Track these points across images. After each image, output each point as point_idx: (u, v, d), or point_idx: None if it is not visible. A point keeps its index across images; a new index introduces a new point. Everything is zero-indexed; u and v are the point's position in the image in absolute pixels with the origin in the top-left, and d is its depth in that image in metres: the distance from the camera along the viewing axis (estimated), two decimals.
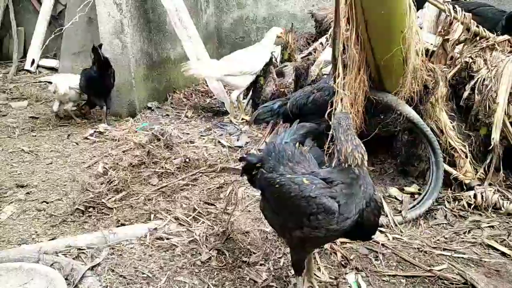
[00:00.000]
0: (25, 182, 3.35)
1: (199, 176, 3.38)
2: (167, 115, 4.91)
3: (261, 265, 2.45)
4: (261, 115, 3.35)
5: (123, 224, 2.86)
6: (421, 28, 4.47)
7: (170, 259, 2.56)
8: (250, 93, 4.77)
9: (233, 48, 6.65)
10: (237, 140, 4.16)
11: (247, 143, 4.05)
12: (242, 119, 4.57)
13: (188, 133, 4.30)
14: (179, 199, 3.12)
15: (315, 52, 4.80)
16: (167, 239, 2.73)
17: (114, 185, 3.15)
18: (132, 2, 4.68)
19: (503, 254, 2.55)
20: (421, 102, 3.34)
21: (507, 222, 2.87)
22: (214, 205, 3.03)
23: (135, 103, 4.88)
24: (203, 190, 3.21)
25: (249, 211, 2.99)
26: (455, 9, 3.59)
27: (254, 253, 2.54)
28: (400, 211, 2.98)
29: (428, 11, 4.47)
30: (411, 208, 3.03)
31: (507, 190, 3.18)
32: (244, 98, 5.02)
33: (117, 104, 4.84)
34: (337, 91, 2.72)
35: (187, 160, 3.51)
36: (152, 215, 2.97)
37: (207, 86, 5.42)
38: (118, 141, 4.01)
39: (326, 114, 2.92)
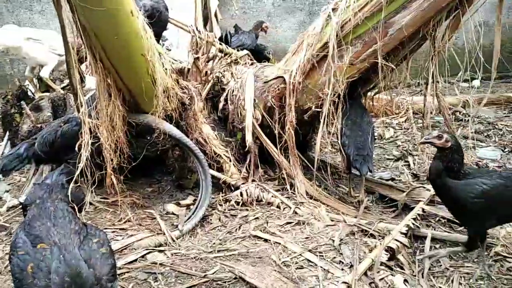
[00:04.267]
0: None
1: None
2: None
3: None
4: (9, 165, 2.99)
5: None
6: (176, 47, 4.74)
7: None
8: (7, 134, 4.22)
9: None
10: None
11: (7, 191, 3.57)
12: None
13: None
14: None
15: None
16: None
17: None
18: None
19: (266, 240, 2.89)
20: (182, 118, 3.55)
21: (268, 211, 3.27)
22: None
23: None
24: None
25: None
26: (198, 29, 3.95)
27: None
28: (177, 226, 3.08)
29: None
30: (187, 219, 3.15)
31: (266, 183, 3.64)
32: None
33: None
34: (83, 120, 2.63)
35: None
36: None
37: None
38: None
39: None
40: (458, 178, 2.37)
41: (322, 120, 3.28)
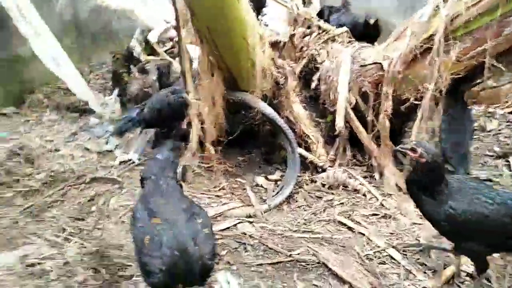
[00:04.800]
0: None
1: (68, 189, 3.28)
2: (27, 120, 4.57)
3: (137, 276, 2.53)
4: (123, 127, 3.36)
5: None
6: (266, 25, 4.75)
7: (46, 285, 2.49)
8: (115, 91, 4.66)
9: (95, 39, 6.34)
10: (106, 143, 4.07)
11: (117, 145, 3.99)
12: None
13: (51, 140, 4.08)
14: (48, 218, 3.01)
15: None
16: (39, 264, 2.64)
17: None
18: None
19: (350, 228, 3.00)
20: (275, 96, 3.67)
21: (354, 198, 3.36)
22: (85, 220, 3.00)
23: None
24: (73, 204, 3.14)
25: (123, 222, 3.02)
26: (297, 5, 3.94)
27: (130, 266, 2.62)
28: (265, 200, 3.29)
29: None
30: (274, 195, 3.35)
31: (353, 168, 3.69)
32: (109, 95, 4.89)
33: None
34: (189, 103, 2.88)
35: (52, 174, 3.37)
36: (21, 240, 2.83)
37: None
38: None
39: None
40: (432, 196, 2.18)
41: (420, 114, 3.21)
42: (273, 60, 3.52)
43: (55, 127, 4.42)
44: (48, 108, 4.83)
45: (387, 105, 3.40)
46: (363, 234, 2.89)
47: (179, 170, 2.59)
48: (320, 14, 5.34)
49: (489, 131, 4.46)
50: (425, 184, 2.18)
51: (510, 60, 2.94)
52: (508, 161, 3.87)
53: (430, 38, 3.09)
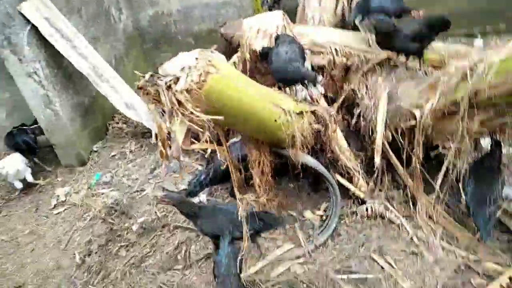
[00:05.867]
0: (20, 281, 4.08)
1: (157, 238, 4.20)
2: (113, 155, 5.46)
3: None
4: (194, 190, 4.09)
5: None
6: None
7: None
8: None
9: (157, 43, 6.92)
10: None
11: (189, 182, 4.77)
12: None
13: (136, 178, 4.97)
14: (146, 269, 3.93)
15: None
16: None
17: (93, 269, 3.96)
18: (50, 74, 4.89)
19: (382, 268, 3.62)
20: (316, 143, 4.10)
21: (389, 230, 3.89)
22: (174, 270, 3.91)
23: (82, 153, 5.41)
24: (163, 254, 4.04)
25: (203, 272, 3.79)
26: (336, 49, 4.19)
27: None
28: (310, 236, 3.95)
29: None
30: (320, 232, 4.00)
31: (392, 195, 4.15)
32: None
33: (68, 157, 5.37)
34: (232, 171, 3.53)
35: (144, 225, 4.28)
36: None
37: None
38: (81, 206, 4.69)
39: None
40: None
41: (445, 165, 3.56)
42: (314, 113, 3.90)
43: (137, 161, 5.23)
44: (128, 137, 5.64)
45: (419, 151, 3.75)
46: (392, 276, 3.48)
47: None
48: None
49: None
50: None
51: None
52: None
53: (456, 103, 3.32)
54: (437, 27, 3.80)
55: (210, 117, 2.73)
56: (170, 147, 2.79)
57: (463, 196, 3.57)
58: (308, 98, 4.29)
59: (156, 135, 5.25)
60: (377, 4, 4.39)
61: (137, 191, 4.76)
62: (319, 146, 4.11)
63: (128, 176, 5.02)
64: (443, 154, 4.07)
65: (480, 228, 3.41)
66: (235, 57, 5.17)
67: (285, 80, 3.89)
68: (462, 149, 3.41)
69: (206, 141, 2.82)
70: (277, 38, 4.08)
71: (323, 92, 4.40)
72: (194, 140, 4.46)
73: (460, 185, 3.61)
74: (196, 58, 2.77)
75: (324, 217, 4.16)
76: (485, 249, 3.54)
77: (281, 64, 3.77)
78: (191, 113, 2.70)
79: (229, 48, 5.57)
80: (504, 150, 3.74)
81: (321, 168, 3.94)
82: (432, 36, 3.80)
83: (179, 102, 2.71)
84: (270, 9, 5.17)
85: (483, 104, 3.18)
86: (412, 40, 3.70)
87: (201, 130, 2.76)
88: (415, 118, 3.72)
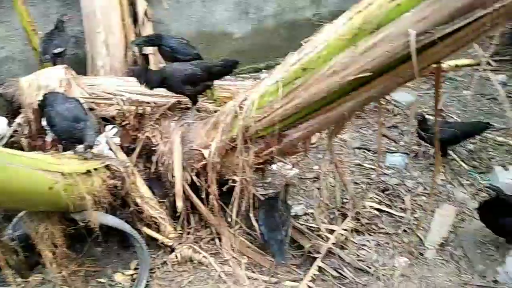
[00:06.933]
0: None
1: None
2: None
3: None
4: None
5: None
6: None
7: None
8: None
9: None
10: None
11: None
12: None
13: None
14: None
15: None
16: None
17: None
18: None
19: None
20: (116, 199, 3.93)
21: (199, 272, 3.90)
22: None
23: None
24: None
25: None
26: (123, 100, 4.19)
27: None
28: None
29: None
30: None
31: (200, 236, 4.19)
32: None
33: None
34: None
35: None
36: None
37: None
38: None
39: None
40: None
41: (235, 196, 3.78)
42: (108, 168, 3.75)
43: None
44: None
45: (213, 188, 3.90)
46: None
47: None
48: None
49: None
50: None
51: None
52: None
53: (234, 139, 3.59)
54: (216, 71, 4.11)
55: None
56: None
57: (256, 224, 3.83)
58: (106, 152, 4.14)
59: None
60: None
61: None
62: (119, 201, 3.95)
63: None
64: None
65: (274, 251, 3.66)
66: (19, 119, 4.78)
67: (70, 140, 3.73)
68: (247, 179, 3.68)
69: None
70: (45, 98, 3.84)
71: (119, 143, 4.30)
72: None
73: (251, 214, 3.85)
74: None
75: (135, 276, 3.95)
76: (284, 269, 3.83)
77: (65, 126, 3.61)
78: None
79: (11, 109, 5.14)
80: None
81: (123, 225, 3.77)
82: (210, 80, 4.09)
83: None
84: (54, 64, 4.89)
85: (254, 137, 3.51)
86: (185, 83, 3.90)
87: None
88: (205, 158, 3.89)
